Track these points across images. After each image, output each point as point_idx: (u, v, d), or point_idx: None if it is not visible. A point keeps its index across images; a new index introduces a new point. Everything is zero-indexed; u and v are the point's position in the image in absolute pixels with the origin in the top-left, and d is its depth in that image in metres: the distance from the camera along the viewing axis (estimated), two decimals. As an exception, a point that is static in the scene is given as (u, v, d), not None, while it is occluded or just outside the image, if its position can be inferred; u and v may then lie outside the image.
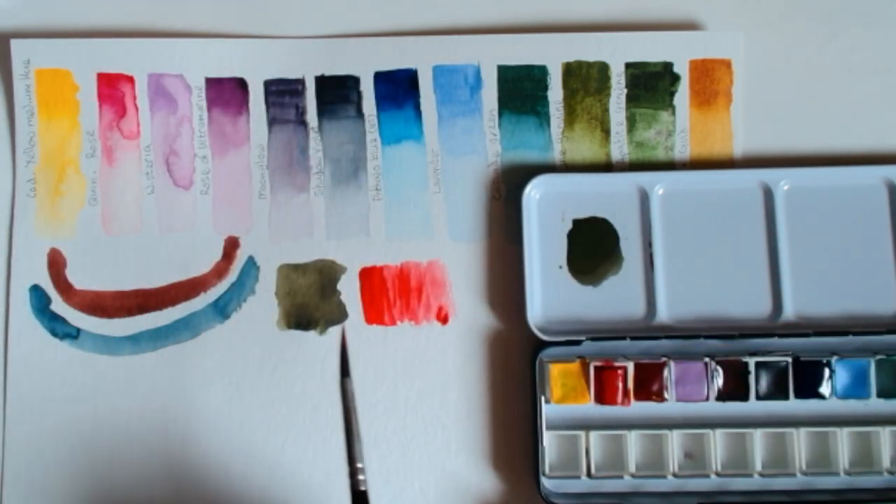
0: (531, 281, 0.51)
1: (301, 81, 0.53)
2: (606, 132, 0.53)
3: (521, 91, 0.53)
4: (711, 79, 0.53)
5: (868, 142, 0.53)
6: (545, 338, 0.50)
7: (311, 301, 0.52)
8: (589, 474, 0.50)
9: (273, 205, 0.53)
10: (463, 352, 0.52)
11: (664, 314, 0.51)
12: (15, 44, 0.53)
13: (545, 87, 0.53)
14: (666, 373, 0.50)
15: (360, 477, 0.45)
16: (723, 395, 0.50)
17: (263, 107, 0.53)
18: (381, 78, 0.53)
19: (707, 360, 0.50)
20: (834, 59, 0.54)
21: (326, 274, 0.53)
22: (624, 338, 0.51)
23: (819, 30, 0.54)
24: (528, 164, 0.53)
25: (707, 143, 0.53)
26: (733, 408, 0.51)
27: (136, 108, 0.53)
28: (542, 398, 0.50)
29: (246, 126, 0.53)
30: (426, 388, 0.52)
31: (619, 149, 0.53)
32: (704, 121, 0.53)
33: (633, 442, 0.50)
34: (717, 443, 0.50)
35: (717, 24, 0.54)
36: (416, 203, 0.53)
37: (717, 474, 0.50)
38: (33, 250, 0.53)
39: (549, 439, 0.50)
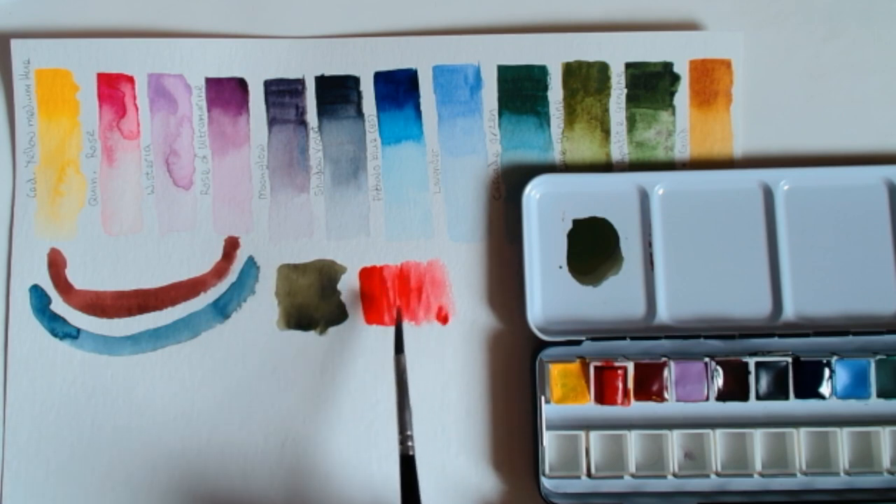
0: (531, 281, 0.51)
1: (301, 81, 0.53)
2: (606, 132, 0.53)
3: (521, 91, 0.53)
4: (711, 79, 0.53)
5: (868, 142, 0.53)
6: (545, 338, 0.50)
7: (311, 301, 0.52)
8: (589, 474, 0.50)
9: (273, 205, 0.53)
10: (463, 352, 0.52)
11: (664, 314, 0.51)
12: (15, 44, 0.53)
13: (545, 87, 0.53)
14: (666, 373, 0.50)
15: (409, 443, 0.46)
16: (723, 395, 0.50)
17: (263, 107, 0.53)
18: (381, 78, 0.53)
19: (707, 360, 0.50)
20: (834, 59, 0.54)
21: (326, 274, 0.53)
22: (624, 338, 0.51)
23: (818, 29, 0.54)
24: (528, 164, 0.53)
25: (707, 143, 0.53)
26: (733, 408, 0.51)
27: (136, 108, 0.53)
28: (542, 398, 0.50)
29: (246, 126, 0.53)
30: (426, 388, 0.52)
31: (619, 149, 0.53)
32: (704, 121, 0.53)
33: (633, 442, 0.50)
34: (717, 443, 0.50)
35: (717, 24, 0.54)
36: (416, 203, 0.53)
37: (717, 474, 0.50)
38: (33, 250, 0.53)
39: (549, 439, 0.50)
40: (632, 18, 0.54)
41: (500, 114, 0.53)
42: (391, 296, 0.52)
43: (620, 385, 0.50)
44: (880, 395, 0.50)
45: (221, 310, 0.52)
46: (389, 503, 0.51)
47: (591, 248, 0.52)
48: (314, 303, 0.52)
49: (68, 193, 0.53)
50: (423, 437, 0.51)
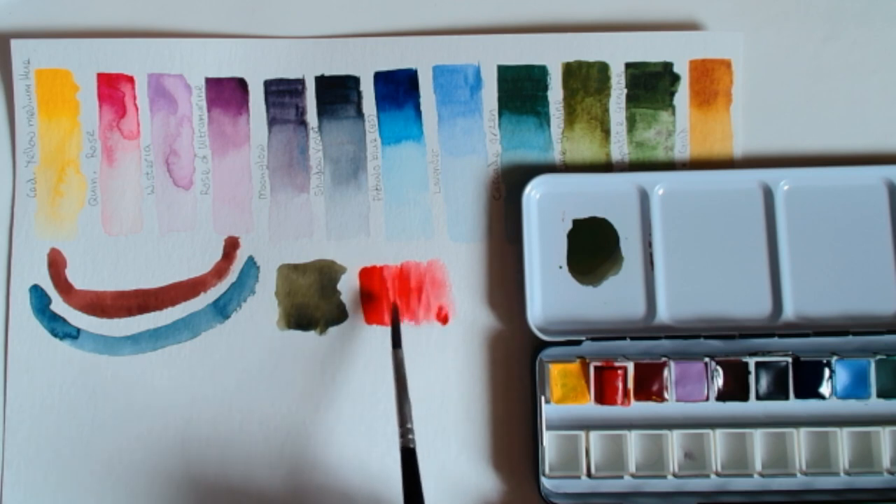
0: (531, 281, 0.51)
1: (301, 81, 0.53)
2: (606, 132, 0.53)
3: (521, 91, 0.53)
4: (711, 79, 0.53)
5: (868, 142, 0.53)
6: (545, 338, 0.50)
7: (311, 301, 0.52)
8: (589, 474, 0.50)
9: (273, 205, 0.53)
10: (463, 352, 0.52)
11: (664, 314, 0.51)
12: (15, 44, 0.53)
13: (545, 87, 0.53)
14: (666, 373, 0.50)
15: (410, 436, 0.46)
16: (723, 395, 0.50)
17: (263, 107, 0.53)
18: (381, 78, 0.53)
19: (707, 360, 0.50)
20: (834, 59, 0.54)
21: (326, 274, 0.53)
22: (624, 338, 0.51)
23: (819, 29, 0.54)
24: (528, 164, 0.53)
25: (707, 143, 0.53)
26: (733, 408, 0.51)
27: (136, 108, 0.53)
28: (542, 398, 0.50)
29: (246, 126, 0.53)
30: (426, 388, 0.52)
31: (619, 149, 0.53)
32: (704, 121, 0.53)
33: (633, 442, 0.50)
34: (717, 443, 0.50)
35: (717, 24, 0.54)
36: (416, 203, 0.53)
37: (717, 474, 0.50)
38: (33, 250, 0.53)
39: (549, 439, 0.50)
40: (632, 18, 0.54)
41: (500, 114, 0.53)
42: (391, 296, 0.52)
43: (620, 385, 0.50)
44: (880, 395, 0.50)
45: (221, 310, 0.52)
46: (390, 501, 0.51)
47: (591, 248, 0.52)
48: (314, 303, 0.52)
49: (68, 193, 0.53)
50: (424, 436, 0.51)
